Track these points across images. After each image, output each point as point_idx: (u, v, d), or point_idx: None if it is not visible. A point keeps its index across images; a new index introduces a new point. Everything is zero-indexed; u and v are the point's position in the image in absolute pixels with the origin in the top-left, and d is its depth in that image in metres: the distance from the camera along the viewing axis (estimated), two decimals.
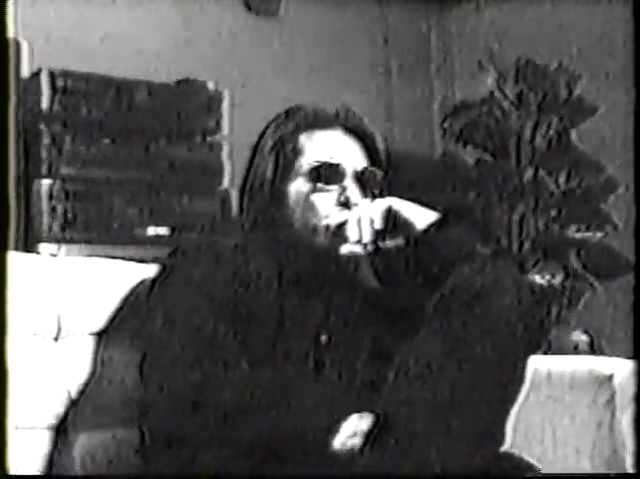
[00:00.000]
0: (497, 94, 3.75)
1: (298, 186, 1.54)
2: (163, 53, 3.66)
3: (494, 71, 3.74)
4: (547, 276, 3.62)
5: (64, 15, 3.51)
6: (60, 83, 3.16)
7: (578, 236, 3.66)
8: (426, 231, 1.47)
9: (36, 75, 3.15)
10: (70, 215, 3.15)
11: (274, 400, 1.35)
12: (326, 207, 1.53)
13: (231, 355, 1.41)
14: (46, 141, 3.13)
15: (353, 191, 1.54)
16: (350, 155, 1.56)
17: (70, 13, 3.53)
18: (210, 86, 3.47)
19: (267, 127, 1.61)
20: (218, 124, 3.43)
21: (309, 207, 1.53)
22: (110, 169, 3.25)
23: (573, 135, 3.70)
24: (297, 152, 1.55)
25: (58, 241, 3.12)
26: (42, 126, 3.14)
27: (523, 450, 1.43)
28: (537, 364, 1.48)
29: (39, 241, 3.10)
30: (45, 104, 3.14)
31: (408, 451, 1.26)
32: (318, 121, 1.58)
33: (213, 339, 1.42)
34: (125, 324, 1.69)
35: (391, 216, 1.49)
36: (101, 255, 1.88)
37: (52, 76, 3.15)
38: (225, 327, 1.43)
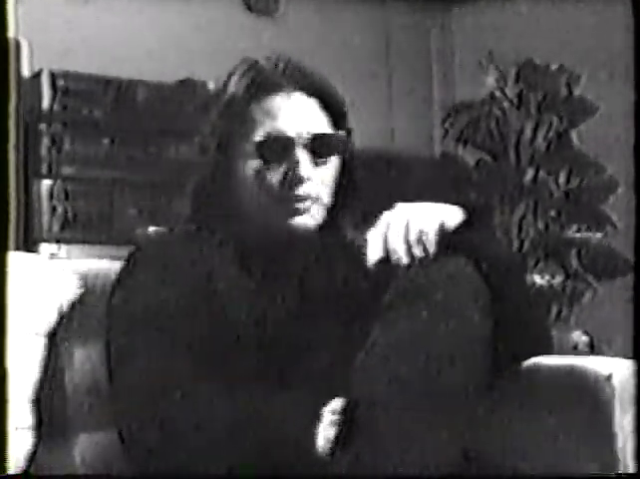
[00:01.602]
0: (497, 94, 3.76)
1: (247, 161, 1.39)
2: (164, 53, 3.66)
3: (494, 71, 3.75)
4: (547, 276, 3.62)
5: (64, 15, 3.52)
6: (60, 83, 3.16)
7: (578, 236, 3.66)
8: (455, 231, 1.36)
9: (36, 75, 3.16)
10: (70, 215, 3.15)
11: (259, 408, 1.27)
12: (278, 184, 1.38)
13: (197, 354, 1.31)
14: (46, 141, 3.13)
15: (306, 165, 1.39)
16: (306, 120, 1.40)
17: (70, 13, 3.54)
18: (210, 86, 3.47)
19: (224, 83, 1.48)
20: None
21: (261, 184, 1.39)
22: (110, 169, 3.25)
23: (573, 135, 3.70)
24: (246, 122, 1.39)
25: (58, 242, 3.12)
26: (42, 126, 3.14)
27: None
28: (537, 364, 1.48)
29: (39, 242, 3.11)
30: (45, 104, 3.14)
31: (379, 452, 1.21)
32: (270, 84, 1.43)
33: (182, 337, 1.32)
34: (90, 324, 1.61)
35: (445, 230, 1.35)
36: (101, 256, 1.88)
37: (52, 76, 3.15)
38: (191, 326, 1.33)
